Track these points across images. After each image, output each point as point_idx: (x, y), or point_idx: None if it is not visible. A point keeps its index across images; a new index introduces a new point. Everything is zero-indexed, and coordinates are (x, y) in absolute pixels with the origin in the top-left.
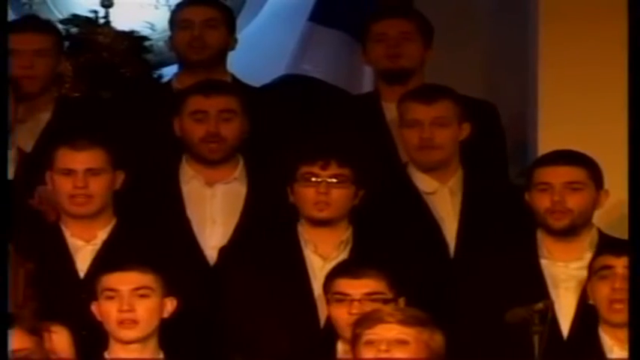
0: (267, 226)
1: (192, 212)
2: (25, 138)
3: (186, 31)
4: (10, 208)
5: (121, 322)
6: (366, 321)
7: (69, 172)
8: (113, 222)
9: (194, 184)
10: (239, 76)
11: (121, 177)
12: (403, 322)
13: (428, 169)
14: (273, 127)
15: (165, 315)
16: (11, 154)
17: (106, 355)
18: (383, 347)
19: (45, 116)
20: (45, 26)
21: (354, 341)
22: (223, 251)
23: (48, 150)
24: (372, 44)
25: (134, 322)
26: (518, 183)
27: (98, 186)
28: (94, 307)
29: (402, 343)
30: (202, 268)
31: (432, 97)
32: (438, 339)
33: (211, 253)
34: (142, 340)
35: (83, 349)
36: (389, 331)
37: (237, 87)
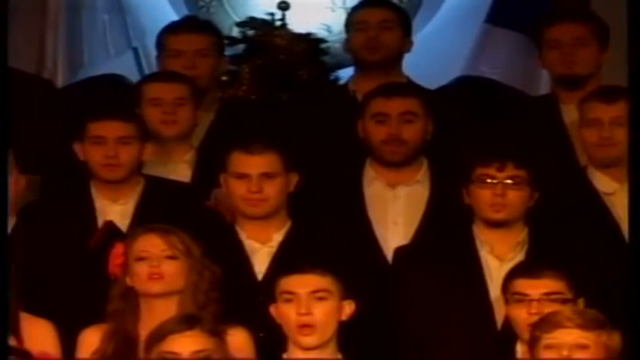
0: (447, 228)
1: (373, 213)
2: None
3: (362, 32)
4: (7, 208)
5: (300, 327)
6: (544, 324)
7: (243, 176)
8: (288, 224)
9: (376, 185)
10: (414, 78)
11: (295, 179)
12: (582, 327)
13: (606, 166)
14: (450, 129)
15: (344, 318)
16: (188, 157)
17: (285, 356)
18: (565, 352)
19: (209, 116)
20: (205, 27)
21: (532, 344)
22: (399, 252)
23: (220, 153)
24: (547, 50)
25: (312, 326)
26: None
27: (272, 189)
28: (272, 309)
29: (582, 347)
30: (383, 269)
31: (613, 97)
32: (615, 339)
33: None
34: (320, 346)
35: (262, 350)
36: (568, 335)
37: (419, 89)
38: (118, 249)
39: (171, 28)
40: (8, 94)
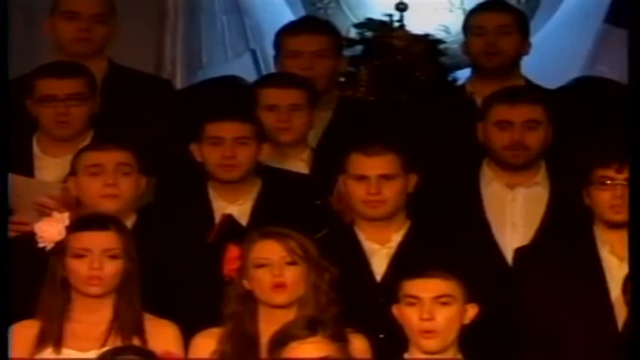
0: (568, 229)
1: (491, 215)
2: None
3: (480, 37)
4: (7, 207)
5: (422, 332)
6: None
7: (362, 178)
8: (407, 225)
9: (494, 186)
10: (532, 79)
11: (413, 180)
12: None
13: None
14: (569, 130)
15: (466, 322)
16: (304, 156)
17: (406, 356)
18: None
19: (327, 115)
20: (323, 27)
21: None
22: (520, 253)
23: (338, 152)
24: None
25: (434, 332)
26: None
27: (391, 191)
28: (395, 310)
29: None
30: (503, 271)
31: None
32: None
33: (511, 257)
34: (442, 351)
35: (381, 352)
36: None
37: (542, 95)
38: (233, 252)
39: (290, 29)
40: (8, 94)
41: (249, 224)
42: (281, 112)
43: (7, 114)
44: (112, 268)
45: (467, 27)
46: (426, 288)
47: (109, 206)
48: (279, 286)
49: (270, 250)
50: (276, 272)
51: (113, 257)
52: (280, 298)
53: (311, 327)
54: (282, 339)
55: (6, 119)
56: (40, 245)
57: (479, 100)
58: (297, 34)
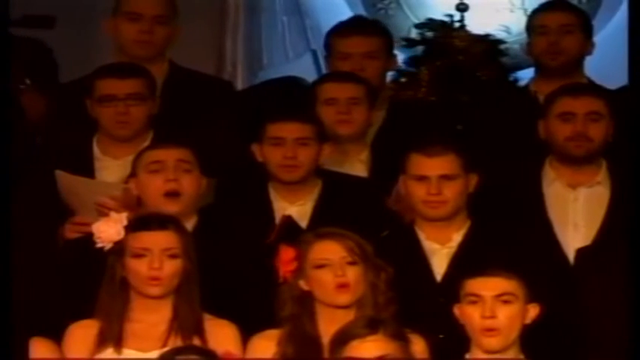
0: (627, 230)
1: (553, 214)
2: None
3: (543, 36)
4: (8, 206)
5: (484, 330)
6: None
7: (422, 179)
8: (468, 224)
9: (556, 186)
10: (595, 79)
11: (474, 180)
12: None
13: None
14: (630, 130)
15: (528, 321)
16: (363, 156)
17: (467, 356)
18: None
19: (380, 115)
20: (373, 28)
21: None
22: (582, 253)
23: (395, 152)
24: None
25: (496, 330)
26: None
27: (452, 191)
28: (456, 310)
29: None
30: (565, 271)
31: None
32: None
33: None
34: (503, 350)
35: (440, 352)
36: None
37: (603, 91)
38: (288, 254)
39: (339, 30)
40: (9, 93)
41: (310, 225)
42: (340, 105)
43: (8, 114)
44: (171, 268)
45: (530, 27)
46: (487, 286)
47: (170, 207)
48: (342, 286)
49: (330, 251)
50: (339, 272)
51: (172, 257)
52: (344, 298)
53: (372, 325)
54: (343, 338)
55: (6, 119)
56: (98, 246)
57: (542, 100)
58: (347, 36)
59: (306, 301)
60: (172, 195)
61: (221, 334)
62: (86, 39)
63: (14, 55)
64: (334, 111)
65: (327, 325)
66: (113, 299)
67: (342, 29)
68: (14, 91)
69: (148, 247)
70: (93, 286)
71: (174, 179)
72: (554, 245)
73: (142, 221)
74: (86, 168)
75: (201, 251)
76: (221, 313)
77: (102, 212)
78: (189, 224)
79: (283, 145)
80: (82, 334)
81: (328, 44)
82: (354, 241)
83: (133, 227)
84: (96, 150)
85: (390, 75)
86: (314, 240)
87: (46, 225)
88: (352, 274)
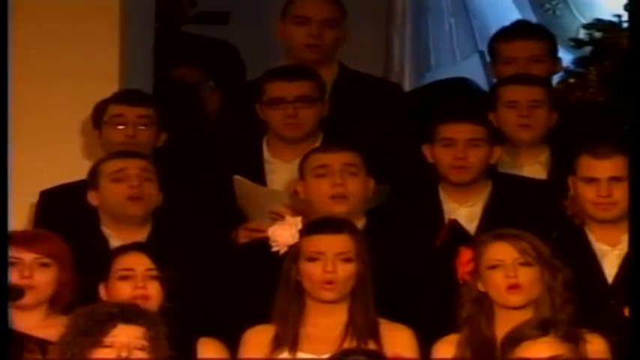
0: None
1: None
2: None
3: None
4: (7, 207)
5: None
6: None
7: (592, 180)
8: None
9: None
10: None
11: None
12: None
13: None
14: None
15: None
16: (542, 158)
17: None
18: None
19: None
20: (537, 32)
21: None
22: None
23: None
24: None
25: None
26: None
27: (622, 193)
28: (626, 312)
29: None
30: None
31: None
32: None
33: None
34: None
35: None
36: None
37: None
38: (466, 255)
39: (503, 35)
40: (6, 92)
41: (479, 226)
42: (521, 108)
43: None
44: (345, 272)
45: None
46: None
47: (337, 209)
48: (513, 287)
49: (503, 252)
50: (510, 273)
51: (347, 260)
52: (515, 299)
53: (543, 327)
54: (514, 339)
55: (5, 119)
56: (274, 249)
57: None
58: (512, 40)
59: (484, 303)
60: (339, 198)
61: (396, 338)
62: (260, 34)
63: (195, 54)
64: (515, 114)
65: (504, 327)
66: (289, 303)
67: (506, 34)
68: (194, 91)
69: (322, 250)
70: (267, 290)
71: (341, 183)
72: None
73: (317, 225)
74: (256, 171)
75: (370, 252)
76: (393, 316)
77: (274, 219)
78: (358, 226)
79: (454, 146)
80: (258, 339)
81: (492, 49)
82: (528, 242)
83: (307, 231)
84: (266, 153)
85: (557, 76)
86: (489, 241)
87: (221, 228)
88: (525, 275)
